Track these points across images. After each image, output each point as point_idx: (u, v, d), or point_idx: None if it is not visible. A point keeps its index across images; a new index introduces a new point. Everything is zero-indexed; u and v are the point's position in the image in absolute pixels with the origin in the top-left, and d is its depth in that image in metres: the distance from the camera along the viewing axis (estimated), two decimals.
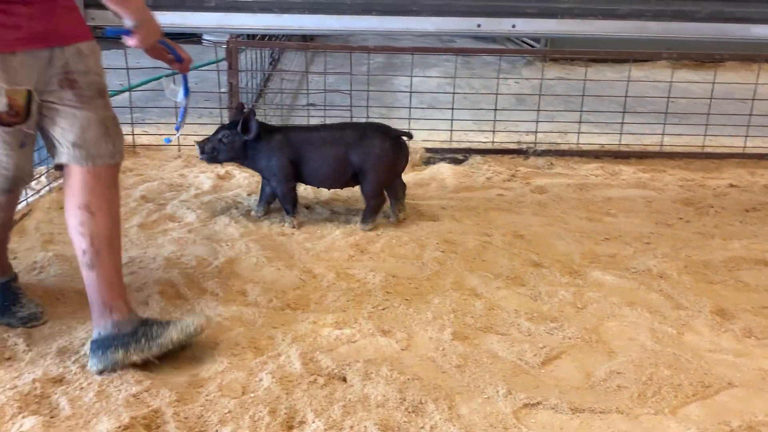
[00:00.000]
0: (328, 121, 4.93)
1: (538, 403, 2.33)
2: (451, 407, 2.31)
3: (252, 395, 2.32)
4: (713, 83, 4.76)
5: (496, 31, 4.61)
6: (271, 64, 6.95)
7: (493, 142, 4.99)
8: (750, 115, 4.80)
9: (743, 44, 6.13)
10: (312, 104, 5.27)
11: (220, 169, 4.44)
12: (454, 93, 4.92)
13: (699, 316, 2.88)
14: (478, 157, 4.82)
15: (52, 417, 2.20)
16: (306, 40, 8.13)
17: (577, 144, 4.93)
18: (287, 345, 2.60)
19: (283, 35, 6.73)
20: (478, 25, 4.54)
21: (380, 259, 3.35)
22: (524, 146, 4.92)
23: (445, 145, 4.94)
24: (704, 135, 4.87)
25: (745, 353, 2.67)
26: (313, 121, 4.97)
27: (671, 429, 2.23)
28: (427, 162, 4.77)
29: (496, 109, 4.87)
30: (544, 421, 2.27)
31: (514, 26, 4.54)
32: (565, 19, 4.52)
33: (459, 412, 2.29)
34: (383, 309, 2.90)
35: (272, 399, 2.30)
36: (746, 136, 4.87)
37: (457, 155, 4.87)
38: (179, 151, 4.77)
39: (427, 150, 4.84)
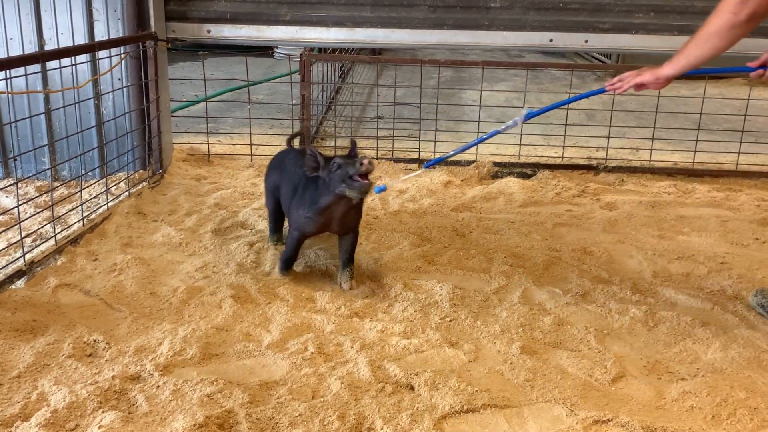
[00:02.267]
0: (397, 134, 4.99)
1: (608, 420, 2.30)
2: (520, 421, 2.30)
3: (322, 399, 2.35)
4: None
5: (569, 46, 4.58)
6: (340, 77, 7.06)
7: (562, 157, 4.95)
8: None
9: None
10: (380, 117, 5.33)
11: None
12: (523, 107, 4.89)
13: None
14: (547, 172, 4.78)
15: (130, 413, 2.28)
16: (375, 54, 8.24)
17: (650, 161, 4.85)
18: (356, 352, 2.63)
19: (354, 48, 6.84)
20: (551, 40, 4.53)
21: (447, 272, 3.36)
22: (595, 162, 4.87)
23: (514, 159, 4.92)
24: None
25: None
26: (382, 133, 5.03)
27: None
28: (495, 176, 4.77)
29: (566, 124, 4.83)
30: None
31: (587, 41, 4.50)
32: (640, 35, 4.46)
33: (527, 426, 2.28)
34: (450, 320, 2.91)
35: (341, 404, 2.33)
36: None
37: (526, 170, 4.85)
38: (251, 160, 4.88)
39: (495, 164, 4.83)
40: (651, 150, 4.81)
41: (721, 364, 2.65)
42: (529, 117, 3.18)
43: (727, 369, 2.61)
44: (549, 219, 4.04)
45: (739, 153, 4.76)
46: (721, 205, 4.30)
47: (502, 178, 4.71)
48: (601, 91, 3.09)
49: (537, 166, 4.86)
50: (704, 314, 3.01)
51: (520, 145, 4.90)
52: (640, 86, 2.95)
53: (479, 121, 4.90)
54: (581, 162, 4.92)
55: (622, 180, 4.68)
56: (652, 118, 4.79)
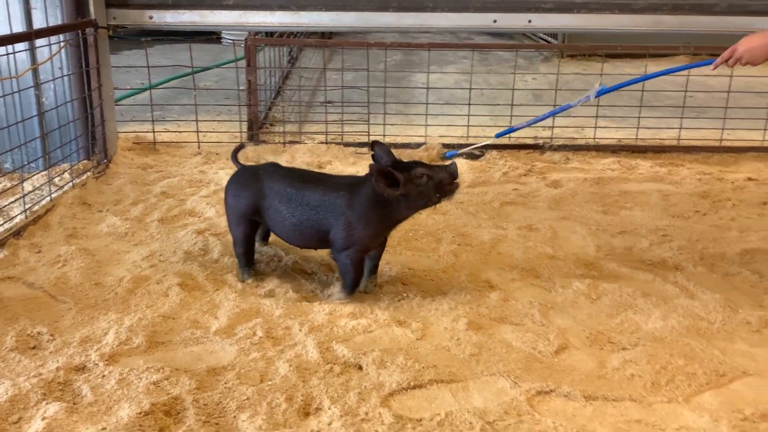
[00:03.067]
0: (347, 118, 4.99)
1: (551, 391, 2.35)
2: (465, 395, 2.34)
3: (270, 383, 2.36)
4: (731, 77, 4.74)
5: (513, 27, 4.63)
6: (289, 62, 7.01)
7: (509, 137, 5.00)
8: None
9: None
10: (329, 101, 5.32)
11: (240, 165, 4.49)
12: (470, 89, 4.95)
13: (714, 307, 2.88)
14: (494, 153, 4.84)
15: (74, 404, 2.26)
16: (325, 38, 8.19)
17: (594, 138, 4.93)
18: (304, 335, 2.65)
19: (302, 33, 6.80)
20: (494, 21, 4.57)
21: (396, 253, 3.39)
22: (541, 141, 4.94)
23: (462, 141, 4.96)
24: (722, 129, 4.85)
25: (761, 343, 2.67)
26: (331, 118, 5.03)
27: (684, 417, 2.25)
28: (445, 157, 4.80)
29: (512, 105, 4.89)
30: (557, 408, 2.29)
31: (530, 21, 4.55)
32: (582, 14, 4.53)
33: (473, 399, 2.32)
34: (399, 300, 2.94)
35: (289, 386, 2.34)
36: (765, 129, 4.84)
37: (474, 151, 4.89)
38: (199, 147, 4.84)
39: (444, 145, 4.86)
40: (595, 128, 4.90)
41: (661, 333, 2.72)
42: (601, 93, 3.25)
43: (667, 337, 2.69)
44: (496, 198, 4.09)
45: (680, 129, 4.87)
46: (663, 180, 4.40)
47: (451, 159, 4.74)
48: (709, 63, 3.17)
49: (485, 147, 4.90)
50: (645, 285, 3.09)
51: (467, 126, 4.94)
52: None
53: (427, 104, 4.93)
54: (528, 142, 4.99)
55: (568, 158, 4.76)
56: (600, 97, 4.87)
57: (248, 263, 3.08)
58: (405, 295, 2.98)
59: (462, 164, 4.62)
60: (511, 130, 3.35)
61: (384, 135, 4.92)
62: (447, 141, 4.93)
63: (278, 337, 2.65)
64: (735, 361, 2.54)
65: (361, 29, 5.61)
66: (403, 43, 5.79)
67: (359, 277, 2.93)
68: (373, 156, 2.91)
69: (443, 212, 3.87)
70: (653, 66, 7.12)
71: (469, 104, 4.88)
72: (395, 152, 4.73)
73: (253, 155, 4.68)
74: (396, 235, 3.54)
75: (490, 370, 2.47)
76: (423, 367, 2.46)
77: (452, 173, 2.77)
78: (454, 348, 2.60)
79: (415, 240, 3.52)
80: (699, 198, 4.09)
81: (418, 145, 4.84)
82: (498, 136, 3.43)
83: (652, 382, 2.42)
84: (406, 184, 2.73)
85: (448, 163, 2.81)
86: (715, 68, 3.12)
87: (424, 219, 3.77)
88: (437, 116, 5.27)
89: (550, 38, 8.21)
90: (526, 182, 4.39)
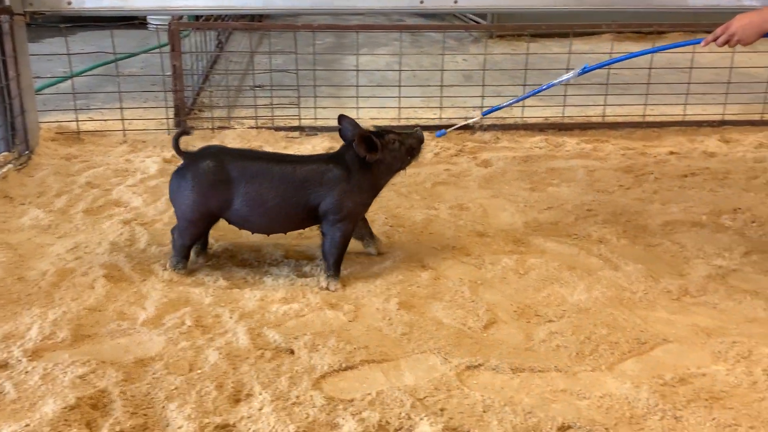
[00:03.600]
0: (276, 101, 4.94)
1: (480, 365, 2.40)
2: (397, 373, 2.37)
3: (199, 372, 2.34)
4: (651, 53, 4.86)
5: (439, 8, 4.65)
6: (218, 46, 6.88)
7: (440, 118, 5.04)
8: (689, 83, 4.93)
9: (683, 14, 6.28)
10: (259, 86, 5.25)
11: (167, 153, 4.41)
12: (400, 71, 4.96)
13: (636, 278, 2.98)
14: (426, 134, 4.84)
15: None
16: (255, 21, 8.08)
17: (522, 118, 5.01)
18: (235, 322, 2.63)
19: (231, 16, 6.68)
20: (421, 2, 4.57)
21: None
22: (471, 121, 4.97)
23: (394, 123, 4.97)
24: (645, 105, 4.98)
25: (680, 311, 2.77)
26: (262, 102, 4.97)
27: (608, 384, 2.32)
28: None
29: (442, 86, 4.92)
30: (485, 381, 2.34)
31: (456, 2, 4.58)
32: None
33: (404, 377, 2.35)
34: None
35: (219, 374, 2.33)
36: (685, 104, 5.00)
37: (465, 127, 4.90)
38: (124, 136, 4.72)
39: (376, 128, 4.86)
40: (523, 107, 4.97)
41: (586, 304, 2.80)
42: (585, 71, 3.36)
43: (591, 308, 2.77)
44: (428, 179, 4.12)
45: (605, 105, 4.98)
46: (589, 156, 4.51)
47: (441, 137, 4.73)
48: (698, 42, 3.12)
49: (416, 128, 4.91)
50: (571, 259, 3.17)
51: (399, 108, 4.96)
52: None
53: (357, 86, 4.92)
54: (459, 122, 5.02)
55: (497, 137, 4.82)
56: (524, 77, 4.94)
57: (187, 257, 2.99)
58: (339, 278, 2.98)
59: None
60: (497, 108, 3.47)
61: (315, 118, 4.89)
62: (379, 123, 4.92)
63: (208, 326, 2.62)
64: (656, 329, 2.63)
65: (289, 12, 5.54)
66: (330, 25, 5.76)
67: (343, 253, 2.94)
68: (340, 130, 3.01)
69: None
70: (579, 44, 7.26)
71: (399, 86, 4.89)
72: (328, 135, 4.73)
73: (181, 141, 4.58)
74: None
75: (421, 348, 2.51)
76: (355, 349, 2.47)
77: (419, 138, 3.07)
78: (386, 328, 2.63)
79: None
80: (623, 173, 4.21)
81: None
82: (484, 114, 3.56)
83: (577, 352, 2.49)
84: (382, 149, 2.88)
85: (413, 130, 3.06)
86: (705, 45, 3.02)
87: None
88: (369, 98, 5.26)
89: (479, 19, 8.27)
90: (457, 162, 4.43)
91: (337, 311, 2.72)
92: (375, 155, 2.87)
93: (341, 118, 3.00)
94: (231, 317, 2.66)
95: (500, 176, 4.17)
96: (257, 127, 4.81)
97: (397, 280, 2.96)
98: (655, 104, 5.03)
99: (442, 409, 2.18)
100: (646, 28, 5.29)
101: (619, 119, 5.01)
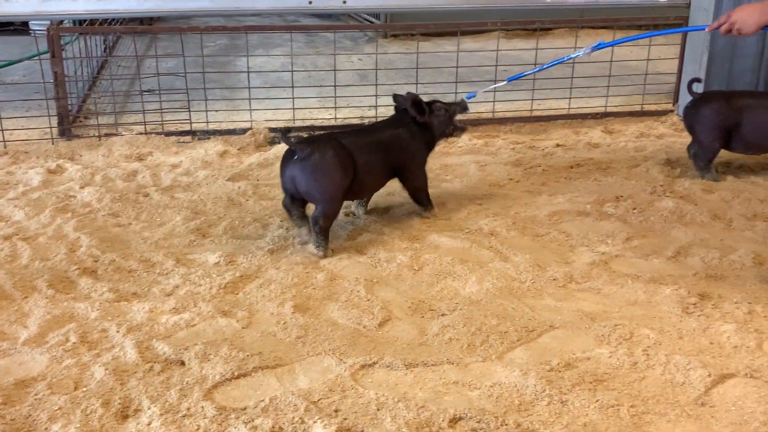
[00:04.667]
0: (165, 105, 4.82)
1: (374, 363, 2.42)
2: (291, 377, 2.35)
3: (84, 389, 2.26)
4: (536, 49, 5.04)
5: (328, 8, 4.65)
6: (105, 51, 6.65)
7: (335, 118, 5.05)
8: (572, 78, 5.11)
9: (566, 11, 6.52)
10: (148, 90, 5.11)
11: (51, 163, 4.23)
12: (292, 71, 4.93)
13: (524, 267, 3.06)
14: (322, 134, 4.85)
15: None
16: (149, 23, 7.86)
17: None
18: (122, 336, 2.55)
19: (119, 20, 6.48)
20: (310, 2, 4.56)
21: (222, 242, 3.33)
22: (366, 121, 5.01)
23: (290, 124, 4.94)
24: (532, 99, 5.14)
25: (566, 297, 2.87)
26: (149, 107, 4.84)
27: (497, 373, 2.38)
28: (272, 142, 4.76)
29: (335, 86, 4.93)
30: (380, 379, 2.35)
31: (345, 2, 4.59)
32: None
33: (299, 381, 2.34)
34: (223, 290, 2.89)
35: (106, 391, 2.25)
36: (570, 98, 5.19)
37: (302, 133, 4.87)
38: (5, 147, 4.50)
39: (272, 130, 4.82)
40: None
41: (477, 296, 2.87)
42: (598, 48, 3.63)
43: (482, 300, 2.84)
44: None
45: (494, 101, 5.11)
46: (480, 152, 4.61)
47: (279, 143, 4.70)
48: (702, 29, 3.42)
49: (312, 129, 4.91)
50: (463, 252, 3.24)
51: (293, 109, 4.93)
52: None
53: (249, 88, 4.86)
54: (354, 122, 5.05)
55: None
56: (419, 75, 5.00)
57: (329, 236, 3.25)
58: (229, 284, 2.94)
59: None
60: (521, 75, 3.81)
61: (207, 122, 4.81)
62: (274, 125, 4.89)
63: (94, 341, 2.53)
64: (543, 316, 2.72)
65: (172, 13, 5.41)
66: (218, 27, 5.68)
67: (428, 192, 3.60)
68: (395, 103, 3.58)
69: (271, 198, 3.85)
70: (470, 42, 7.42)
71: (293, 87, 4.86)
72: (221, 138, 4.66)
73: (66, 151, 4.42)
74: (222, 224, 3.49)
75: (316, 350, 2.50)
76: (248, 356, 2.44)
77: (463, 107, 3.60)
78: (281, 332, 2.61)
79: (242, 228, 3.48)
80: (513, 166, 4.32)
81: (244, 131, 4.77)
82: (509, 80, 3.79)
83: (468, 344, 2.54)
84: (429, 114, 3.47)
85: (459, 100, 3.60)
86: (709, 30, 3.25)
87: (252, 206, 3.74)
88: (264, 100, 5.21)
89: (373, 19, 8.33)
90: None
91: (230, 318, 2.68)
92: (423, 117, 3.44)
93: (395, 96, 3.57)
94: (118, 331, 2.58)
95: None
96: (146, 133, 4.68)
97: (293, 283, 2.94)
98: (541, 99, 5.20)
99: (336, 411, 2.18)
100: (530, 25, 5.44)
101: (508, 114, 5.15)
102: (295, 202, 3.26)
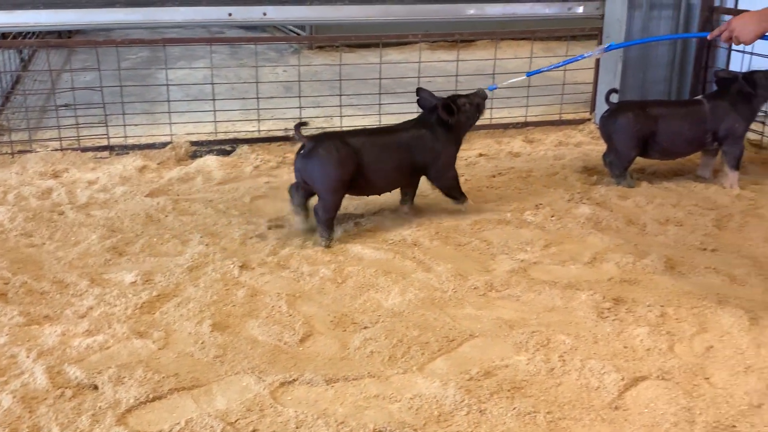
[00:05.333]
0: (81, 120, 4.69)
1: (294, 380, 2.39)
2: (208, 398, 2.31)
3: None
4: (457, 61, 5.11)
5: (248, 20, 4.61)
6: (22, 64, 6.43)
7: (259, 130, 5.00)
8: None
9: (486, 23, 6.64)
10: (64, 105, 4.95)
11: None
12: (212, 83, 4.87)
13: (446, 277, 3.09)
14: (245, 147, 4.81)
15: None
16: (68, 36, 7.63)
17: (341, 127, 5.06)
18: (32, 361, 2.45)
19: (35, 33, 6.27)
20: (230, 14, 4.51)
21: (139, 260, 3.25)
22: (291, 133, 4.97)
23: (212, 137, 4.87)
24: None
25: (486, 306, 2.91)
26: (65, 122, 4.69)
27: (418, 384, 2.39)
28: (194, 155, 4.68)
29: (258, 98, 4.89)
30: (300, 396, 2.33)
31: (265, 14, 4.56)
32: (315, 6, 4.61)
33: (216, 402, 2.29)
34: (139, 310, 2.82)
35: (13, 420, 2.16)
36: (492, 108, 5.26)
37: (225, 146, 4.83)
38: None
39: (193, 143, 4.75)
40: (341, 117, 5.04)
41: (400, 307, 2.87)
42: (609, 49, 3.80)
43: (404, 311, 2.84)
44: (248, 193, 4.07)
45: (418, 112, 5.13)
46: None
47: (200, 157, 4.63)
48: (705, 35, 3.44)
49: (235, 142, 4.86)
50: (387, 264, 3.24)
51: (215, 122, 4.86)
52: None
53: (169, 101, 4.78)
54: (279, 134, 5.01)
55: None
56: (344, 87, 5.00)
57: (332, 227, 3.45)
58: (146, 303, 2.86)
59: (212, 161, 4.53)
60: (539, 71, 3.94)
61: (126, 136, 4.69)
62: (195, 138, 4.81)
63: (2, 368, 2.43)
64: (463, 326, 2.74)
65: (84, 27, 5.27)
66: (135, 39, 5.57)
67: (460, 186, 3.75)
68: (418, 100, 3.70)
69: (191, 213, 3.77)
70: (395, 54, 7.48)
71: (214, 99, 4.80)
72: (140, 153, 4.56)
73: None
74: (139, 242, 3.41)
75: (235, 369, 2.46)
76: (163, 377, 2.38)
77: (483, 96, 3.77)
78: (198, 352, 2.56)
79: (160, 245, 3.40)
80: None
81: (164, 145, 4.67)
82: (528, 75, 3.91)
83: (390, 356, 2.54)
84: (458, 112, 3.58)
85: (475, 90, 3.76)
86: (711, 38, 3.27)
87: (171, 222, 3.65)
88: (185, 113, 5.12)
89: (300, 31, 8.30)
90: (278, 175, 4.40)
91: (146, 340, 2.61)
92: (454, 118, 3.56)
93: (419, 90, 3.68)
94: (28, 357, 2.48)
95: None
96: (62, 149, 4.53)
97: (212, 301, 2.89)
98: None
99: (254, 431, 2.15)
100: (450, 37, 5.51)
101: None
102: (299, 190, 3.47)
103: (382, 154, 3.48)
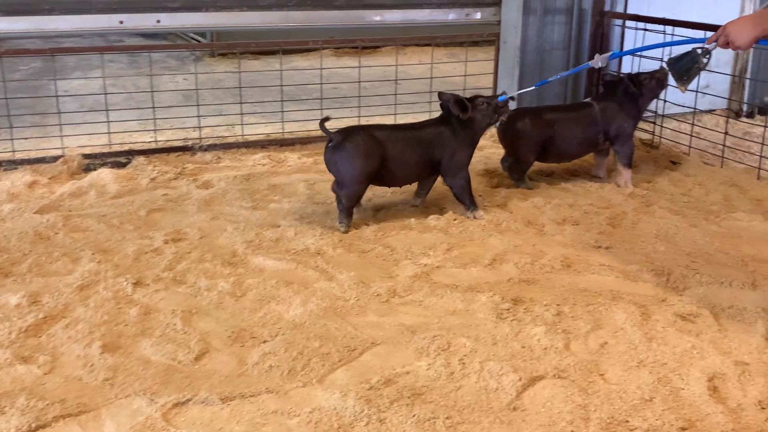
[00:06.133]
0: None
1: (188, 400, 2.30)
2: (97, 424, 2.19)
3: None
4: (360, 67, 5.09)
5: (141, 27, 4.46)
6: None
7: (156, 141, 4.85)
8: (395, 94, 5.21)
9: (388, 29, 6.67)
10: None
11: None
12: (105, 93, 4.69)
13: (349, 285, 3.05)
14: (142, 158, 4.65)
15: None
16: None
17: (244, 136, 4.98)
18: None
19: None
20: (121, 22, 4.36)
21: (26, 281, 3.08)
22: (190, 143, 4.85)
23: (106, 149, 4.69)
24: (359, 116, 5.19)
25: (388, 312, 2.89)
26: None
27: (318, 397, 2.34)
28: (87, 169, 4.48)
29: (154, 107, 4.74)
30: (194, 416, 2.24)
31: (159, 21, 4.42)
32: (210, 12, 4.51)
33: (104, 427, 2.18)
34: (24, 333, 2.66)
35: None
36: (395, 114, 5.28)
37: (120, 158, 4.65)
38: None
39: (86, 156, 4.55)
40: (242, 125, 4.95)
41: (301, 318, 2.82)
42: (614, 57, 4.00)
43: (306, 322, 2.79)
44: (143, 206, 3.92)
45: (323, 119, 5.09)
46: (310, 170, 4.58)
47: (94, 170, 4.44)
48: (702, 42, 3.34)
49: (131, 153, 4.69)
50: (289, 274, 3.18)
51: (109, 133, 4.68)
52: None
53: (60, 113, 4.58)
54: (177, 144, 4.87)
55: (219, 157, 4.74)
56: (247, 95, 4.91)
57: (351, 215, 3.67)
58: (31, 327, 2.71)
59: (107, 175, 4.36)
60: (545, 82, 4.04)
61: (13, 151, 4.46)
62: (89, 151, 4.62)
63: None
64: (365, 334, 2.71)
65: None
66: (19, 50, 5.32)
67: (471, 191, 3.80)
68: (440, 103, 3.83)
69: (83, 229, 3.61)
70: (300, 60, 7.43)
71: (107, 110, 4.62)
72: (30, 168, 4.35)
73: None
74: (27, 262, 3.23)
75: (126, 392, 2.35)
76: (48, 404, 2.25)
77: (504, 101, 3.82)
78: (87, 376, 2.43)
79: (49, 264, 3.24)
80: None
81: (55, 159, 4.46)
82: (537, 85, 3.98)
83: (290, 370, 2.49)
84: (472, 110, 3.69)
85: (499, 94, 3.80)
86: (708, 43, 3.20)
87: (61, 239, 3.48)
88: (79, 125, 4.90)
89: (199, 37, 8.12)
90: (176, 186, 4.27)
91: (30, 365, 2.47)
92: (466, 114, 3.66)
93: (440, 94, 3.82)
94: None
95: (221, 197, 4.09)
96: None
97: (102, 321, 2.76)
98: (369, 115, 5.25)
99: None
100: (351, 44, 5.50)
101: None
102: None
103: (406, 148, 3.65)
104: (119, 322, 2.77)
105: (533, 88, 4.02)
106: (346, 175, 3.60)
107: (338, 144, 3.60)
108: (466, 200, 3.78)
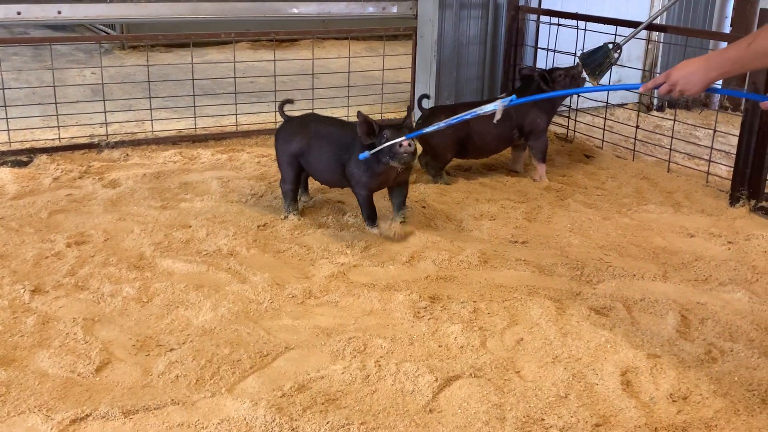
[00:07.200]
0: None
1: (87, 416, 2.17)
2: None
3: None
4: (275, 61, 4.97)
5: (41, 18, 4.21)
6: None
7: (60, 138, 4.61)
8: (313, 89, 5.11)
9: (312, 23, 6.56)
10: None
11: None
12: (3, 88, 4.42)
13: (263, 287, 2.95)
14: (44, 157, 4.41)
15: None
16: None
17: (154, 132, 4.78)
18: None
19: None
20: (18, 13, 4.10)
21: None
22: (96, 140, 4.63)
23: (5, 148, 4.42)
24: (275, 111, 5.06)
25: (304, 314, 2.80)
26: None
27: (227, 408, 2.24)
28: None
29: (56, 103, 4.50)
30: None
31: (60, 12, 4.19)
32: (116, 4, 4.31)
33: None
34: None
35: None
36: (313, 109, 5.18)
37: (21, 157, 4.40)
38: None
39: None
40: (152, 121, 4.75)
41: (211, 324, 2.71)
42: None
43: (216, 328, 2.68)
44: (45, 208, 3.71)
45: (236, 114, 4.96)
46: (224, 167, 4.44)
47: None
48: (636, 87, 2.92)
49: (33, 152, 4.44)
50: (199, 277, 3.06)
51: (8, 130, 4.42)
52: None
53: None
54: (83, 141, 4.64)
55: (127, 155, 4.54)
56: (158, 89, 4.72)
57: (294, 198, 3.67)
58: None
59: (6, 174, 4.11)
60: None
61: None
62: None
63: None
64: (279, 338, 2.62)
65: None
66: None
67: (374, 210, 3.52)
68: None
69: None
70: (216, 53, 7.23)
71: (6, 106, 4.36)
72: None
73: None
74: None
75: (19, 409, 2.20)
76: None
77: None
78: None
79: None
80: (257, 180, 4.20)
81: None
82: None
83: (197, 379, 2.38)
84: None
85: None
86: (643, 91, 2.75)
87: None
88: None
89: (109, 29, 7.80)
90: (81, 186, 4.06)
91: None
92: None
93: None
94: None
95: (129, 196, 3.91)
96: None
97: None
98: (285, 110, 5.14)
99: None
100: (266, 36, 5.36)
101: (253, 127, 5.03)
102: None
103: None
104: (15, 332, 2.60)
105: (443, 125, 3.70)
106: (277, 158, 3.71)
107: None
108: (366, 214, 3.51)
